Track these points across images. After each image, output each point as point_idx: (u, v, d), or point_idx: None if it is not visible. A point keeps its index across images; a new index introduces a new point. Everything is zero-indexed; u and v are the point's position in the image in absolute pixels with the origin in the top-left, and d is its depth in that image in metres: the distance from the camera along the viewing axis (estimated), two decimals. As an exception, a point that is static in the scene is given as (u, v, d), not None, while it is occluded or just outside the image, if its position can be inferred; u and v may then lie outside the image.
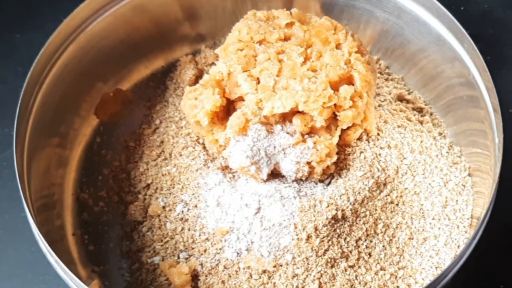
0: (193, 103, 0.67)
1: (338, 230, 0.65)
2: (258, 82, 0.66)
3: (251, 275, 0.64)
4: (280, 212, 0.64)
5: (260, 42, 0.68)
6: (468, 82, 0.71)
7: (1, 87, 0.84)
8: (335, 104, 0.65)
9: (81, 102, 0.76)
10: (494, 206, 0.62)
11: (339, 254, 0.64)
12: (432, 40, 0.74)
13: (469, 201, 0.70)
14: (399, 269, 0.66)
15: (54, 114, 0.71)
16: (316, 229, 0.64)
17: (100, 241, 0.71)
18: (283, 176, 0.68)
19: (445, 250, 0.67)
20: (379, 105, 0.74)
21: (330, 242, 0.64)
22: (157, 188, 0.71)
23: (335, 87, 0.66)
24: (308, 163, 0.66)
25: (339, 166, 0.69)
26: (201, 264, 0.66)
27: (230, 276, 0.65)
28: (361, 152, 0.69)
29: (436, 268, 0.66)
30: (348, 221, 0.65)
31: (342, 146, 0.69)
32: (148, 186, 0.72)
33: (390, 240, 0.67)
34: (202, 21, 0.81)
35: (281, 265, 0.64)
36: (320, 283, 0.63)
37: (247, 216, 0.65)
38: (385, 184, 0.68)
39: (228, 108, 0.69)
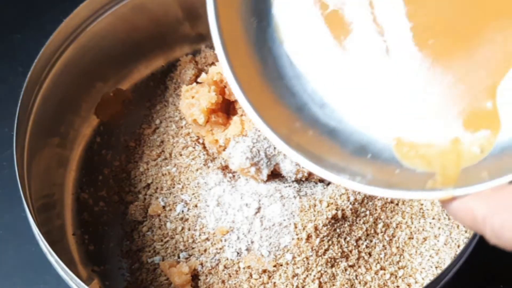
0: (190, 102, 0.68)
1: (338, 230, 0.65)
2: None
3: (251, 275, 0.64)
4: (280, 212, 0.64)
5: (260, 42, 0.68)
6: None
7: (1, 87, 0.84)
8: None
9: (81, 102, 0.76)
10: (494, 206, 0.62)
11: (339, 254, 0.64)
12: None
13: (469, 200, 0.70)
14: (399, 268, 0.66)
15: (54, 114, 0.71)
16: (316, 228, 0.64)
17: (100, 241, 0.71)
18: (283, 176, 0.68)
19: (445, 250, 0.67)
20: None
21: (330, 242, 0.64)
22: (157, 188, 0.72)
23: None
24: (308, 163, 0.66)
25: (339, 166, 0.69)
26: (201, 264, 0.66)
27: (230, 276, 0.65)
28: (361, 152, 0.69)
29: (436, 267, 0.66)
30: (348, 221, 0.65)
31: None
32: (148, 186, 0.72)
33: (390, 239, 0.67)
34: (202, 21, 0.81)
35: (281, 265, 0.64)
36: (320, 282, 0.63)
37: (247, 216, 0.65)
38: (385, 184, 0.68)
39: (228, 108, 0.69)
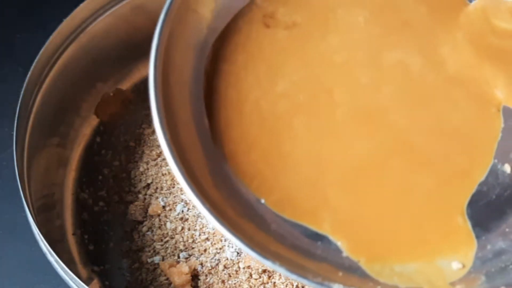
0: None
1: (338, 230, 0.65)
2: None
3: (251, 275, 0.64)
4: (280, 212, 0.64)
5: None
6: None
7: (1, 87, 0.84)
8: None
9: (81, 102, 0.76)
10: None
11: (339, 254, 0.64)
12: None
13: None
14: (399, 268, 0.66)
15: (54, 114, 0.71)
16: (316, 228, 0.64)
17: (100, 241, 0.71)
18: (283, 176, 0.68)
19: (445, 250, 0.67)
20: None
21: (330, 242, 0.64)
22: (157, 188, 0.72)
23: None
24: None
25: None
26: (201, 264, 0.66)
27: (230, 276, 0.65)
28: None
29: (436, 267, 0.66)
30: (348, 221, 0.65)
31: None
32: (148, 185, 0.72)
33: (390, 240, 0.67)
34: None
35: (281, 265, 0.64)
36: (320, 282, 0.63)
37: (247, 216, 0.65)
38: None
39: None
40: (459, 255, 0.46)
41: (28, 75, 0.67)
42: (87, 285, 0.57)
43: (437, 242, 0.46)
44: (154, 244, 0.68)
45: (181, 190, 0.70)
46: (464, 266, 0.46)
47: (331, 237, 0.46)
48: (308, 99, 0.50)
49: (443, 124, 0.49)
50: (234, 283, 0.64)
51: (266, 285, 0.64)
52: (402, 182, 0.48)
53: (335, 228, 0.46)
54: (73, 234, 0.71)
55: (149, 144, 0.75)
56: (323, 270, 0.44)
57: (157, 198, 0.71)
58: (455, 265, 0.45)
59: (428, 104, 0.50)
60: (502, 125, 0.50)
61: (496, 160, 0.50)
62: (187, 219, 0.68)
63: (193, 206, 0.69)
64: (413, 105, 0.50)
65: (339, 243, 0.46)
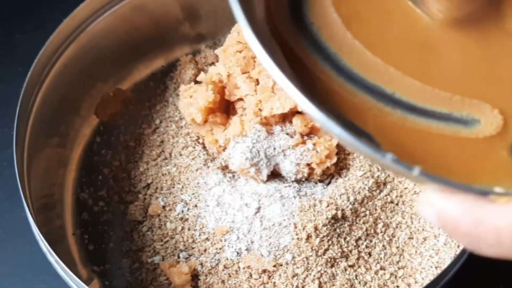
0: (188, 101, 0.68)
1: (338, 230, 0.65)
2: (258, 83, 0.66)
3: (251, 275, 0.64)
4: (280, 212, 0.64)
5: (260, 43, 0.68)
6: None
7: (1, 87, 0.84)
8: (335, 104, 0.65)
9: (81, 102, 0.76)
10: (494, 206, 0.62)
11: (339, 254, 0.64)
12: None
13: (469, 200, 0.70)
14: (399, 268, 0.66)
15: (54, 114, 0.72)
16: (316, 228, 0.64)
17: (100, 241, 0.71)
18: (283, 176, 0.68)
19: (445, 250, 0.67)
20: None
21: (330, 242, 0.64)
22: (157, 188, 0.72)
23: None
24: (308, 164, 0.66)
25: (339, 166, 0.69)
26: (201, 264, 0.66)
27: (230, 276, 0.65)
28: (361, 152, 0.69)
29: (436, 267, 0.66)
30: (348, 221, 0.65)
31: (342, 146, 0.69)
32: (148, 185, 0.72)
33: (390, 239, 0.67)
34: (202, 21, 0.81)
35: (281, 265, 0.64)
36: (320, 282, 0.63)
37: (247, 216, 0.65)
38: (385, 184, 0.68)
39: (228, 108, 0.69)
40: (500, 183, 0.46)
41: (28, 75, 0.67)
42: (87, 285, 0.57)
43: (480, 166, 0.47)
44: (154, 244, 0.69)
45: (181, 190, 0.70)
46: (506, 192, 0.46)
47: (374, 137, 0.47)
48: None
49: None
50: (234, 283, 0.64)
51: (266, 285, 0.64)
52: None
53: (379, 130, 0.47)
54: (73, 234, 0.71)
55: (149, 144, 0.75)
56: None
57: (157, 198, 0.71)
58: (497, 190, 0.46)
59: None
60: None
61: None
62: (187, 219, 0.68)
63: (193, 206, 0.69)
64: None
65: (380, 144, 0.46)
